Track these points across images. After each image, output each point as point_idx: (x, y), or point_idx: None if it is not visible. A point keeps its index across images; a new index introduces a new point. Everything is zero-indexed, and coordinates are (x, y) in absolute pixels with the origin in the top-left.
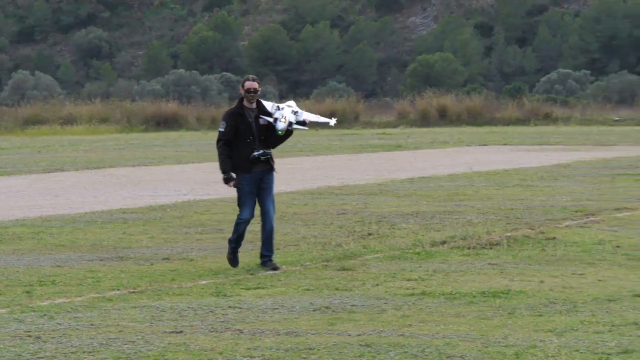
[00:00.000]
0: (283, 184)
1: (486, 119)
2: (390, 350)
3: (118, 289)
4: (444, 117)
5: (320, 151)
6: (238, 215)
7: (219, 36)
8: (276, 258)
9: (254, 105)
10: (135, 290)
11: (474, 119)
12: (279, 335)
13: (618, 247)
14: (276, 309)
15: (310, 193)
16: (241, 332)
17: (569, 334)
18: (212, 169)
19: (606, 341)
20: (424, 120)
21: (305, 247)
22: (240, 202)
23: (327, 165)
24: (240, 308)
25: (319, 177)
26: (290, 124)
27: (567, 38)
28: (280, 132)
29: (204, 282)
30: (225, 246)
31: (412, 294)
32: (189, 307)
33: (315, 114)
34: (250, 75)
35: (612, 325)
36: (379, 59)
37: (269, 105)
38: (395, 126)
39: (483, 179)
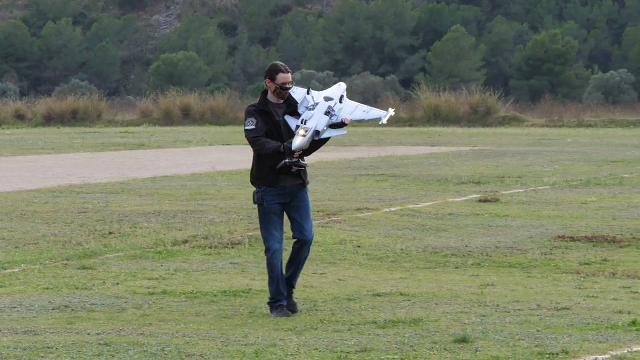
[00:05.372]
0: (23, 181)
1: (229, 119)
2: (130, 349)
3: None
4: (187, 116)
5: (61, 149)
6: (265, 249)
7: None
8: (15, 256)
9: (282, 101)
10: None
11: (218, 118)
12: (17, 334)
13: (359, 246)
14: (14, 307)
15: (51, 191)
16: None
17: (308, 333)
18: None
19: (345, 340)
20: (167, 119)
21: (45, 246)
22: (263, 228)
23: (68, 163)
24: None
25: (60, 175)
26: (316, 133)
27: (311, 39)
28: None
29: None
30: None
31: (153, 293)
32: None
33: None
34: (281, 63)
35: (352, 324)
36: (123, 56)
37: (300, 94)
38: (138, 125)
39: (226, 179)
